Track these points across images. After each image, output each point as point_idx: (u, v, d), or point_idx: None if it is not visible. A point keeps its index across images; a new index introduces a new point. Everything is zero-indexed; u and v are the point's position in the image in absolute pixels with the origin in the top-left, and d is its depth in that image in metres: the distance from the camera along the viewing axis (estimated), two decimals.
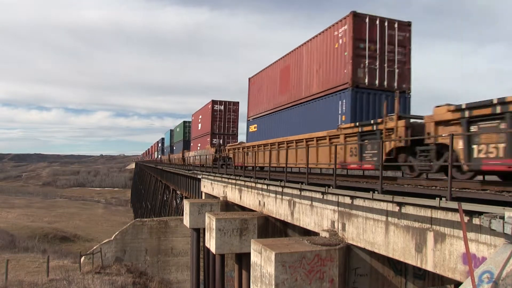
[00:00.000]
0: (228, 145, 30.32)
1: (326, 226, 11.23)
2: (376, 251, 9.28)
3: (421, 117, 11.19)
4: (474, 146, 8.50)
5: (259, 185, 16.35)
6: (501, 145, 7.82)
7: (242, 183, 18.43)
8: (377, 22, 15.10)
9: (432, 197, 7.42)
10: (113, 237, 26.52)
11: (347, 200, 10.21)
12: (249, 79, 26.53)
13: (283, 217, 14.26)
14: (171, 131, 68.07)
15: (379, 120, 12.06)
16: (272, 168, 16.56)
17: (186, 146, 51.34)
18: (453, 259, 7.17)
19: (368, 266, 10.43)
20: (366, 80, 14.61)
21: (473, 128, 8.65)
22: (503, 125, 7.93)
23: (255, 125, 24.76)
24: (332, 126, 15.04)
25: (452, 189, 7.19)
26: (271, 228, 16.32)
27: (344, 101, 14.84)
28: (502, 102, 7.88)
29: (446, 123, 9.43)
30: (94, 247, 26.11)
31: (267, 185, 15.40)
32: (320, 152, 15.21)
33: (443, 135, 9.44)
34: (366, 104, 14.65)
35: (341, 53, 15.18)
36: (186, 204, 22.20)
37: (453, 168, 8.78)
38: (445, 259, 7.34)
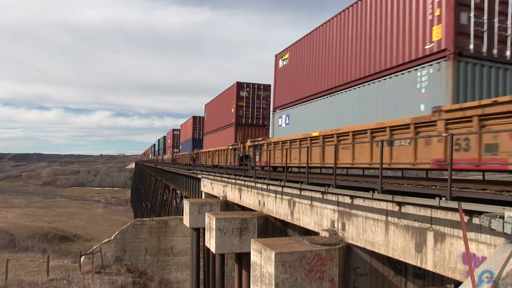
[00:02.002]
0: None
1: (326, 226, 11.23)
2: (376, 250, 9.28)
3: None
4: None
5: (259, 185, 16.35)
6: None
7: (242, 182, 18.42)
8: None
9: (432, 196, 7.41)
10: (113, 236, 26.52)
11: (347, 200, 10.21)
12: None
13: (283, 217, 14.25)
14: (159, 140, 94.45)
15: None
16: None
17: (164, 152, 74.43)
18: (453, 259, 7.17)
19: (368, 265, 10.43)
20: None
21: None
22: None
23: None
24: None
25: (452, 188, 7.19)
26: (271, 228, 16.32)
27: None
28: None
29: None
30: (94, 247, 26.10)
31: (267, 184, 15.40)
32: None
33: None
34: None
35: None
36: (186, 204, 22.19)
37: None
38: (445, 258, 7.34)
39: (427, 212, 7.75)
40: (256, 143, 22.85)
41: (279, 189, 14.33)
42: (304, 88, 17.53)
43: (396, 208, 8.52)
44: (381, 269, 10.54)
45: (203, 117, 43.43)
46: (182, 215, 25.56)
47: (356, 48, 13.76)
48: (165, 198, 57.32)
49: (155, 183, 68.80)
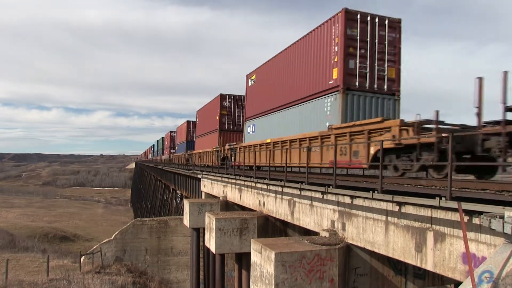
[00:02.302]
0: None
1: (326, 226, 11.23)
2: (376, 250, 9.28)
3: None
4: None
5: (259, 185, 16.35)
6: None
7: (242, 182, 18.43)
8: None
9: (432, 196, 7.41)
10: (113, 236, 26.53)
11: (347, 200, 10.21)
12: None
13: (283, 217, 14.26)
14: (157, 141, 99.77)
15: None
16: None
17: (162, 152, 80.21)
18: (453, 259, 7.17)
19: (368, 265, 10.43)
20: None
21: None
22: None
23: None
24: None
25: (452, 188, 7.19)
26: (271, 228, 16.33)
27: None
28: None
29: None
30: (94, 247, 26.11)
31: (267, 184, 15.40)
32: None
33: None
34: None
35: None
36: (186, 204, 22.20)
37: None
38: (445, 258, 7.34)
39: (427, 212, 7.75)
40: (232, 146, 27.40)
41: (279, 189, 14.34)
42: (265, 104, 22.65)
43: (396, 208, 8.52)
44: (381, 269, 10.55)
45: (195, 122, 48.08)
46: (182, 215, 25.56)
47: (292, 78, 19.15)
48: (165, 198, 57.34)
49: (155, 183, 68.80)
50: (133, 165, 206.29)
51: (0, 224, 56.47)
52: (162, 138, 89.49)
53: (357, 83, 14.87)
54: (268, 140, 20.68)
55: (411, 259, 8.17)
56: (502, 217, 5.79)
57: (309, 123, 17.02)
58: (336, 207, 10.80)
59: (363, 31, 14.94)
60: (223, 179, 21.87)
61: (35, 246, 37.25)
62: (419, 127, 10.78)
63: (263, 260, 9.95)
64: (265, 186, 15.74)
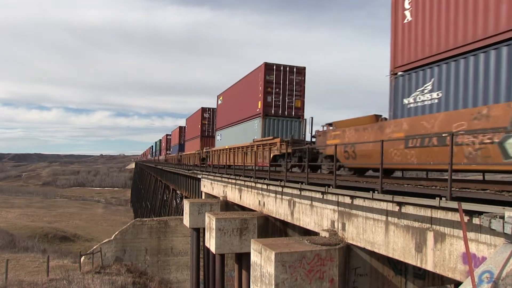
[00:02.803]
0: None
1: (326, 226, 11.23)
2: (376, 251, 9.28)
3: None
4: None
5: (259, 185, 16.35)
6: None
7: (242, 182, 18.43)
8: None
9: (432, 196, 7.41)
10: (113, 237, 26.52)
11: (347, 200, 10.21)
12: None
13: (283, 217, 14.25)
14: (155, 142, 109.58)
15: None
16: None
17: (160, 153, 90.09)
18: (453, 259, 7.17)
19: (368, 265, 10.43)
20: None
21: None
22: None
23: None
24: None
25: (452, 188, 7.19)
26: (271, 228, 16.32)
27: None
28: None
29: None
30: (94, 247, 26.10)
31: (267, 184, 15.40)
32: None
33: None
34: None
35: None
36: (186, 204, 22.19)
37: None
38: (445, 258, 7.34)
39: (427, 212, 7.75)
40: (207, 150, 36.03)
41: (279, 189, 14.33)
42: (226, 119, 30.82)
43: (396, 208, 8.52)
44: (381, 269, 10.54)
45: (185, 127, 58.08)
46: (182, 215, 25.56)
47: (236, 104, 28.12)
48: (165, 198, 57.34)
49: (155, 183, 68.81)
50: (133, 165, 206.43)
51: (0, 224, 56.46)
52: (160, 140, 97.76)
53: (273, 111, 22.84)
54: (226, 147, 28.62)
55: (411, 259, 8.16)
56: (502, 217, 5.79)
57: (247, 136, 24.92)
58: (336, 207, 10.80)
59: (277, 76, 22.65)
60: (223, 179, 21.88)
61: (35, 246, 37.22)
62: (291, 142, 17.92)
63: (263, 260, 9.95)
64: (265, 186, 15.74)
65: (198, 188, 29.07)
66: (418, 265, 7.99)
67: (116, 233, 26.77)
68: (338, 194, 10.53)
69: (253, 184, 16.90)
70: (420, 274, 10.89)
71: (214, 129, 41.21)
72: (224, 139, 31.35)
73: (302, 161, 16.85)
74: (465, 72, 9.12)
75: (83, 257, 24.42)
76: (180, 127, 62.43)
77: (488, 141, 7.93)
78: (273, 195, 14.99)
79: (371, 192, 8.99)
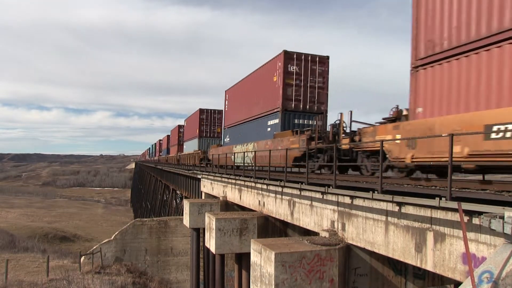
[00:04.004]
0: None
1: (326, 226, 11.23)
2: (376, 251, 9.28)
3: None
4: None
5: (258, 185, 16.34)
6: None
7: (242, 183, 18.42)
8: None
9: (432, 197, 7.40)
10: (113, 237, 26.52)
11: (347, 200, 10.21)
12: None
13: (283, 217, 14.25)
14: (152, 145, 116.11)
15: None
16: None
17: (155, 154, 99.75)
18: (453, 259, 7.17)
19: (368, 266, 10.42)
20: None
21: None
22: None
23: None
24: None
25: (452, 189, 7.18)
26: (271, 228, 16.32)
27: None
28: None
29: None
30: (94, 247, 26.10)
31: (267, 185, 15.39)
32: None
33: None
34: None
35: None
36: (186, 204, 22.19)
37: None
38: (445, 259, 7.34)
39: (427, 212, 7.75)
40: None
41: (279, 189, 14.33)
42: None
43: (396, 208, 8.52)
44: (381, 269, 10.54)
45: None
46: (182, 215, 25.55)
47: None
48: (165, 198, 57.33)
49: (155, 183, 68.80)
50: (133, 165, 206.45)
51: (0, 224, 56.43)
52: (155, 143, 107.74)
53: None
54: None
55: (411, 260, 8.16)
56: (502, 217, 5.78)
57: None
58: (336, 207, 10.80)
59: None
60: (223, 179, 21.87)
61: (35, 246, 37.22)
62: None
63: (263, 260, 9.95)
64: (265, 186, 15.73)
65: (198, 188, 29.06)
66: (418, 265, 7.99)
67: (116, 233, 26.77)
68: (338, 194, 10.53)
69: (253, 184, 16.90)
70: (420, 274, 10.89)
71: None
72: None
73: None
74: None
75: (83, 257, 24.42)
76: (168, 136, 72.44)
77: None
78: (273, 195, 14.99)
79: (371, 192, 8.98)
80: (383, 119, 12.26)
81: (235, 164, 23.78)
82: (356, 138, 13.03)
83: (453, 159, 7.31)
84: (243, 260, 17.71)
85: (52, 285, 18.26)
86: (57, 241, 56.74)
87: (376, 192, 8.85)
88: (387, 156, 10.74)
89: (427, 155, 9.38)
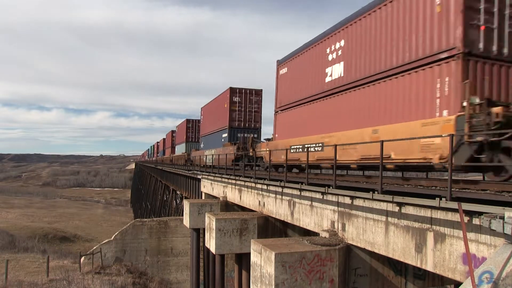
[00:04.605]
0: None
1: (326, 226, 11.22)
2: (376, 251, 9.27)
3: None
4: None
5: (259, 185, 16.34)
6: None
7: (242, 183, 18.42)
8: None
9: (432, 197, 7.40)
10: (113, 237, 26.53)
11: (347, 200, 10.21)
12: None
13: (283, 217, 14.25)
14: (150, 146, 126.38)
15: None
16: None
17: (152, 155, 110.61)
18: (453, 259, 7.17)
19: (368, 266, 10.42)
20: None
21: None
22: None
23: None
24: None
25: (452, 189, 7.18)
26: (271, 228, 16.31)
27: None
28: None
29: None
30: (94, 247, 26.11)
31: (267, 185, 15.39)
32: None
33: None
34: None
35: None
36: (186, 204, 22.19)
37: None
38: (445, 259, 7.34)
39: (427, 213, 7.74)
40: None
41: (279, 189, 14.32)
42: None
43: (396, 209, 8.52)
44: (381, 270, 10.53)
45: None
46: (182, 215, 25.55)
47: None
48: (165, 198, 57.32)
49: (155, 183, 68.78)
50: (133, 166, 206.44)
51: (0, 225, 56.42)
52: (153, 145, 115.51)
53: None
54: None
55: (411, 260, 8.16)
56: (502, 218, 5.78)
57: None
58: (336, 208, 10.80)
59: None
60: (223, 179, 21.87)
61: (35, 246, 37.23)
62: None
63: (263, 260, 9.94)
64: (265, 187, 15.73)
65: (198, 189, 29.05)
66: (418, 265, 7.99)
67: (116, 233, 26.77)
68: (338, 195, 10.53)
69: (253, 185, 16.90)
70: (420, 274, 10.88)
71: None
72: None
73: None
74: None
75: (83, 257, 24.43)
76: (164, 139, 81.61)
77: None
78: (273, 195, 14.98)
79: (371, 192, 8.99)
80: (264, 139, 22.61)
81: (206, 163, 29.75)
82: (256, 148, 22.28)
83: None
84: (243, 260, 17.69)
85: (52, 285, 18.26)
86: (57, 241, 56.73)
87: (376, 192, 8.85)
88: (264, 159, 20.47)
89: (275, 159, 18.23)
